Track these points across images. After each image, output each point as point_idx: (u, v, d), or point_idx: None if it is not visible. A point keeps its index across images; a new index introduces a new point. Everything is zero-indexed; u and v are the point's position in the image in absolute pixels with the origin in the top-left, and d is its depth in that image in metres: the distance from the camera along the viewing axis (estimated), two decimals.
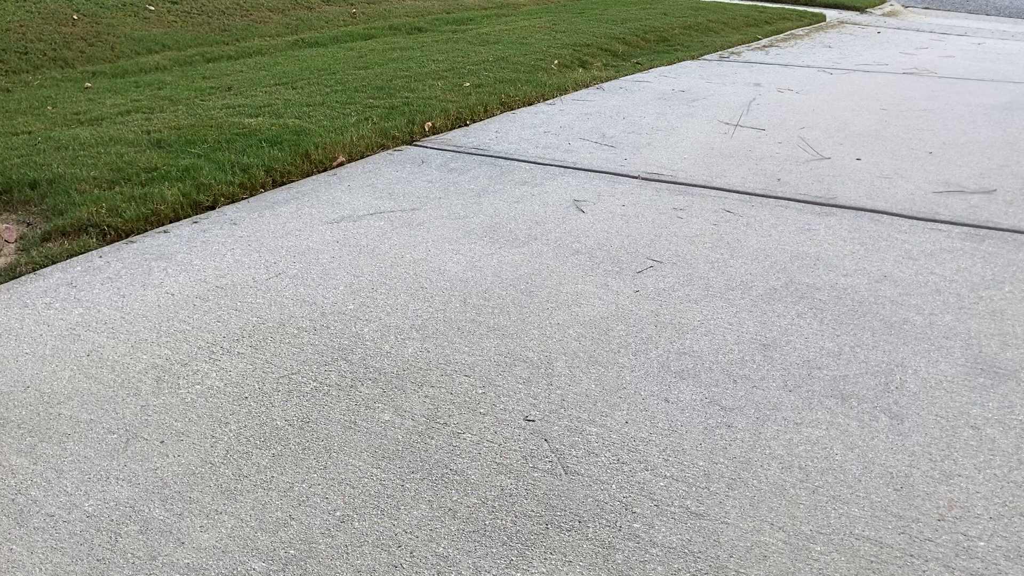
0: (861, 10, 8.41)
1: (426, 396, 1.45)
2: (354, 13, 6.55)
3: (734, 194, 2.49)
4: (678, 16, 6.69)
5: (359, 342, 1.63)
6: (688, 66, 4.75)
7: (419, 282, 1.88)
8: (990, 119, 3.48)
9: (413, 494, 1.21)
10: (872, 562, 1.08)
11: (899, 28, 7.09)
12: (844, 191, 2.52)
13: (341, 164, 2.77)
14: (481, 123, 3.33)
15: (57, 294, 1.82)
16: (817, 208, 2.37)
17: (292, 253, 2.03)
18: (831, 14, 7.78)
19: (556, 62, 4.65)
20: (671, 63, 4.83)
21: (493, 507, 1.18)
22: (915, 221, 2.28)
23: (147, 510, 1.17)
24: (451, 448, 1.31)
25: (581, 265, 1.97)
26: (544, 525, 1.14)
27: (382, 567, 1.07)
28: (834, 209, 2.37)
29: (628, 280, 1.90)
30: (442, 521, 1.15)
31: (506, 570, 1.07)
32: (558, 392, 1.46)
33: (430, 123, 3.21)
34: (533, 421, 1.37)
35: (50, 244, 2.12)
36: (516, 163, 2.78)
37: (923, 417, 1.39)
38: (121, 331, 1.66)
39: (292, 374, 1.52)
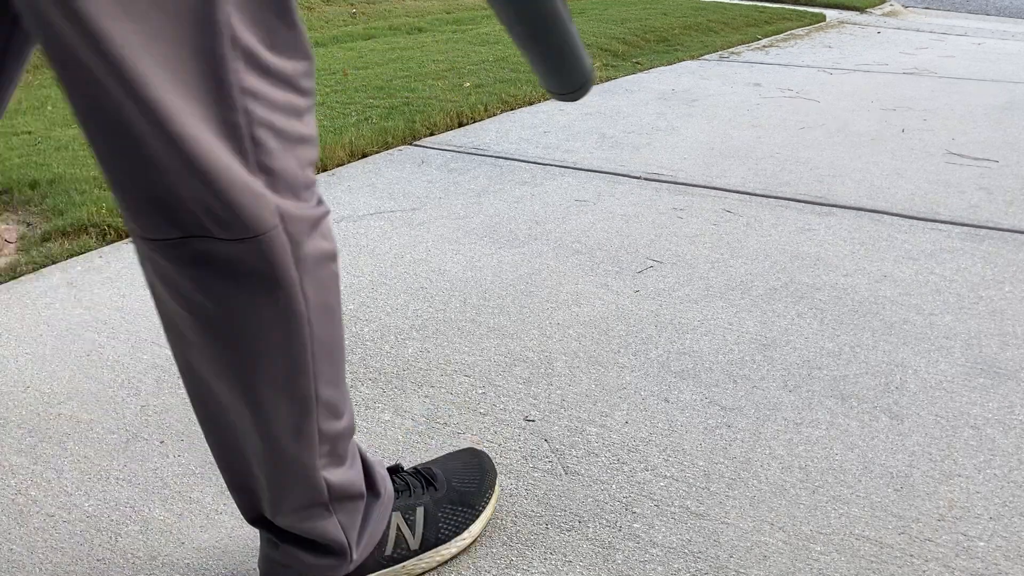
0: (861, 10, 8.42)
1: (426, 396, 1.45)
2: (354, 13, 6.55)
3: (734, 194, 2.49)
4: (678, 16, 6.70)
5: (359, 342, 1.63)
6: (688, 66, 4.75)
7: (419, 282, 1.88)
8: (990, 119, 3.48)
9: None
10: (872, 562, 1.08)
11: (899, 28, 7.09)
12: (844, 191, 2.52)
13: (341, 164, 2.77)
14: (481, 123, 3.34)
15: (57, 294, 1.82)
16: (817, 208, 2.37)
17: None
18: (831, 14, 7.78)
19: None
20: (671, 63, 4.83)
21: (493, 507, 1.18)
22: (915, 221, 2.28)
23: (147, 510, 1.17)
24: (451, 448, 1.31)
25: (581, 265, 1.97)
26: (544, 525, 1.14)
27: None
28: (834, 209, 2.37)
29: (628, 280, 1.90)
30: None
31: (506, 570, 1.07)
32: (558, 392, 1.46)
33: (430, 123, 3.21)
34: (533, 421, 1.37)
35: (50, 244, 2.12)
36: (516, 163, 2.78)
37: (923, 417, 1.39)
38: (121, 331, 1.66)
39: None
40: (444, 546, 1.04)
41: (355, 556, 0.96)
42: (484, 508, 1.10)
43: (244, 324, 0.78)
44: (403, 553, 1.00)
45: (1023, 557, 1.09)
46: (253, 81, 0.71)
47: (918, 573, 1.07)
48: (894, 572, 1.07)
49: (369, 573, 0.99)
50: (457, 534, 1.05)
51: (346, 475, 0.94)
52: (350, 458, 0.95)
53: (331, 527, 0.93)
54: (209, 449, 0.91)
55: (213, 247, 0.74)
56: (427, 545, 1.03)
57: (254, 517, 0.93)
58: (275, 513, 0.91)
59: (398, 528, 1.00)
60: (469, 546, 1.09)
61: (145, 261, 0.79)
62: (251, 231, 0.74)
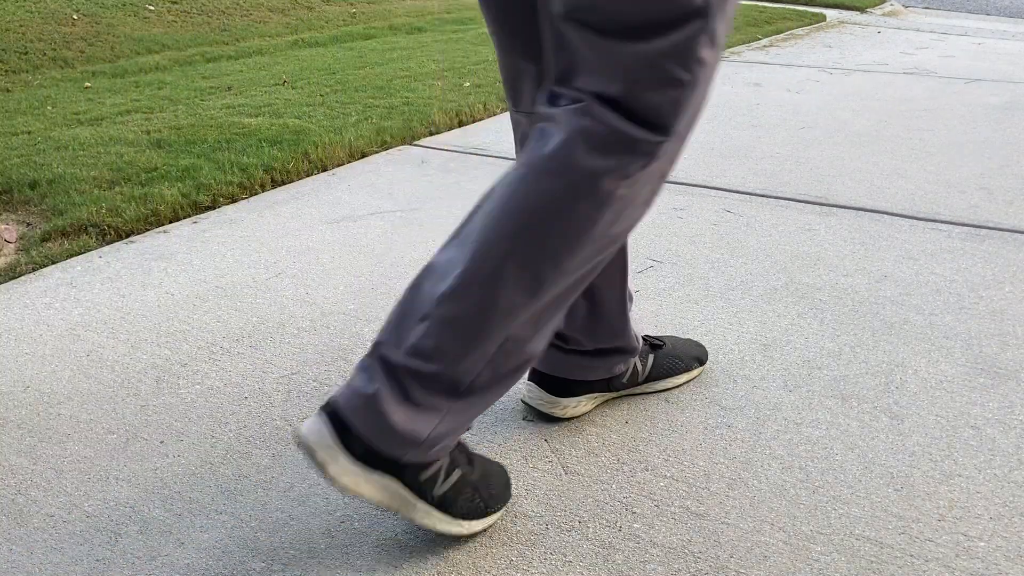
0: (861, 10, 8.42)
1: None
2: (354, 13, 6.55)
3: (734, 194, 2.49)
4: None
5: (359, 342, 1.62)
6: None
7: None
8: (990, 119, 3.48)
9: None
10: (872, 562, 1.08)
11: (899, 28, 7.09)
12: (844, 191, 2.52)
13: (341, 164, 2.77)
14: (481, 123, 3.34)
15: (57, 294, 1.82)
16: (817, 208, 2.37)
17: (292, 253, 2.03)
18: (831, 14, 7.78)
19: None
20: None
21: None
22: (915, 221, 2.28)
23: (147, 510, 1.17)
24: None
25: None
26: (544, 525, 1.14)
27: (382, 567, 1.07)
28: (834, 209, 2.37)
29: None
30: None
31: (506, 570, 1.07)
32: None
33: (430, 123, 3.21)
34: (533, 421, 1.37)
35: (50, 244, 2.12)
36: None
37: (923, 417, 1.39)
38: (121, 331, 1.66)
39: (292, 374, 1.52)
40: (450, 518, 1.07)
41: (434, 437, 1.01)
42: (492, 513, 1.13)
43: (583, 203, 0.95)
44: (428, 492, 1.04)
45: (1023, 557, 1.09)
46: (706, 52, 0.92)
47: (918, 573, 1.07)
48: (894, 572, 1.07)
49: (409, 484, 1.02)
50: (465, 518, 1.09)
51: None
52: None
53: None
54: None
55: (630, 131, 0.93)
56: (441, 504, 1.06)
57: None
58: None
59: (442, 467, 1.05)
60: (463, 536, 1.11)
61: (556, 119, 0.96)
62: (656, 135, 0.94)
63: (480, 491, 1.10)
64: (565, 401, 1.34)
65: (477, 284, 0.94)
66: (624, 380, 1.39)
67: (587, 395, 1.36)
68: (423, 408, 0.96)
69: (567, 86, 0.97)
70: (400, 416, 0.95)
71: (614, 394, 1.41)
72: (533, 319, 0.98)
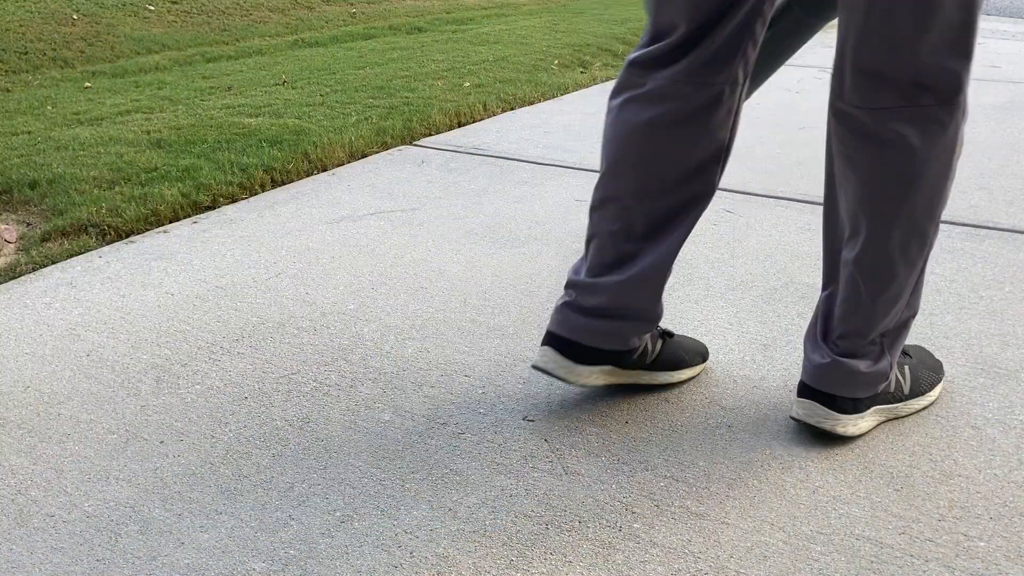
0: None
1: (426, 396, 1.45)
2: (354, 13, 6.55)
3: (734, 194, 2.49)
4: None
5: (359, 342, 1.63)
6: None
7: (419, 282, 1.88)
8: (990, 119, 3.48)
9: (413, 494, 1.21)
10: (872, 562, 1.08)
11: None
12: None
13: (341, 164, 2.77)
14: (481, 123, 3.34)
15: (57, 294, 1.82)
16: (817, 208, 2.37)
17: (292, 253, 2.03)
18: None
19: (556, 62, 4.65)
20: None
21: (493, 507, 1.18)
22: None
23: (147, 510, 1.17)
24: (451, 448, 1.31)
25: None
26: (544, 525, 1.14)
27: (382, 567, 1.07)
28: None
29: None
30: (442, 521, 1.15)
31: (506, 570, 1.07)
32: (558, 392, 1.46)
33: (430, 123, 3.21)
34: (533, 421, 1.37)
35: (50, 244, 2.12)
36: (516, 163, 2.78)
37: (923, 417, 1.39)
38: (121, 331, 1.66)
39: (292, 374, 1.52)
40: (920, 398, 1.39)
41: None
42: (939, 380, 1.44)
43: (924, 168, 1.16)
44: (902, 396, 1.37)
45: (1023, 557, 1.09)
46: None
47: (918, 573, 1.07)
48: (894, 572, 1.07)
49: (889, 400, 1.36)
50: (929, 391, 1.41)
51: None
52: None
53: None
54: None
55: (919, 112, 1.12)
56: (913, 395, 1.39)
57: None
58: None
59: (897, 375, 1.37)
60: (934, 400, 1.41)
61: (851, 133, 1.17)
62: (952, 97, 1.12)
63: (926, 367, 1.43)
64: (580, 368, 1.36)
65: (882, 265, 1.22)
66: (634, 357, 1.40)
67: (600, 367, 1.38)
68: (872, 354, 1.29)
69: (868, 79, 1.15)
70: (865, 367, 1.29)
71: (624, 374, 1.42)
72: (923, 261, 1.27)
